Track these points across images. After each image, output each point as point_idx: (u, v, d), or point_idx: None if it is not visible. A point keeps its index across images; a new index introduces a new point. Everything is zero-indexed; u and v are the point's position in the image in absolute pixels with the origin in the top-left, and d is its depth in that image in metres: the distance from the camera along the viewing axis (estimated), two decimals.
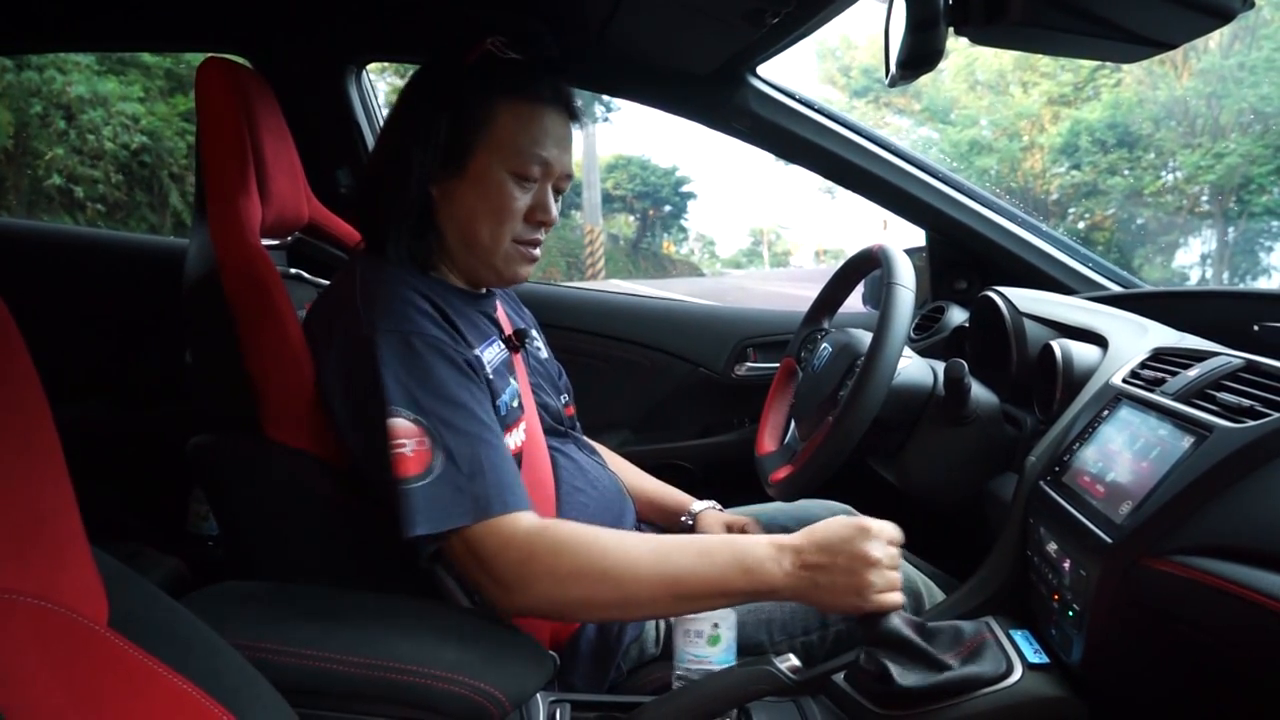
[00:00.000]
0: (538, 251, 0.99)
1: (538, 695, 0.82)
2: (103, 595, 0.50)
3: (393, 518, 0.80)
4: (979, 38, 0.70)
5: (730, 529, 1.14)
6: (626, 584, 0.79)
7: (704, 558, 0.81)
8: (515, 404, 0.96)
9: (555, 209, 0.98)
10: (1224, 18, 0.62)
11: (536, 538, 0.80)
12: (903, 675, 0.77)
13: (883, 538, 0.81)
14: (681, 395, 1.71)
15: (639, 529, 1.11)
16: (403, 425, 0.81)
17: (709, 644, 0.87)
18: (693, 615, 0.87)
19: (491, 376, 0.92)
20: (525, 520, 0.81)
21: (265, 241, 0.98)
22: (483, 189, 0.93)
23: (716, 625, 0.87)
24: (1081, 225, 10.00)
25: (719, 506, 1.19)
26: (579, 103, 0.99)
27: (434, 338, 0.86)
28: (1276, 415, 0.68)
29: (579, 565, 0.79)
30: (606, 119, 14.53)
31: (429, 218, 0.95)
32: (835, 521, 0.83)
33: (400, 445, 0.80)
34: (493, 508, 0.81)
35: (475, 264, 0.97)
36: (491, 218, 0.94)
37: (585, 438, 1.13)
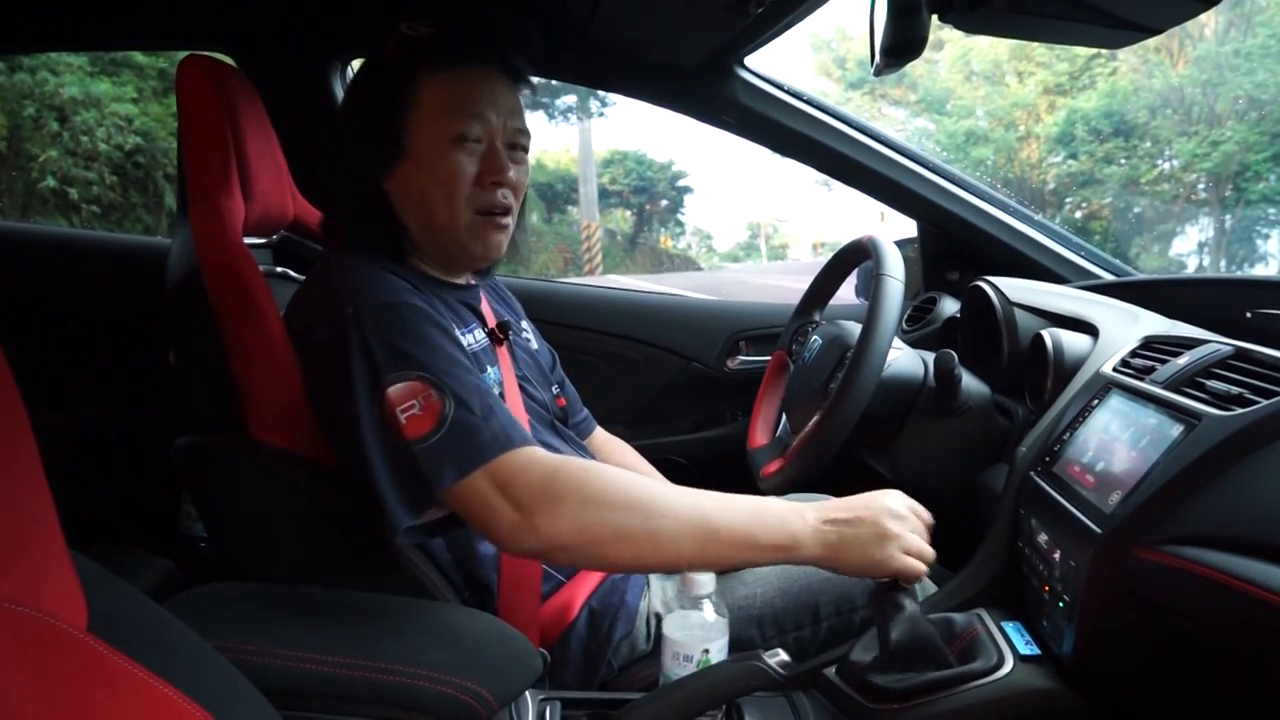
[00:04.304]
0: (507, 220, 0.96)
1: (527, 693, 0.81)
2: (81, 599, 0.50)
3: (378, 501, 0.79)
4: (962, 24, 0.69)
5: None
6: (653, 516, 0.77)
7: (729, 504, 0.82)
8: (497, 391, 0.95)
9: (515, 170, 0.95)
10: (1207, 2, 0.61)
11: (560, 463, 0.79)
12: (883, 676, 0.77)
13: (906, 501, 0.84)
14: (674, 389, 1.70)
15: None
16: (404, 388, 0.79)
17: (697, 669, 0.82)
18: (681, 639, 0.83)
19: (472, 356, 0.90)
20: (544, 452, 0.81)
21: (250, 240, 0.97)
22: (428, 164, 0.92)
23: (707, 650, 0.83)
24: (1078, 214, 10.00)
25: None
26: (523, 66, 0.98)
27: (418, 306, 0.85)
28: (1265, 403, 0.67)
29: (605, 490, 0.78)
30: (602, 114, 14.52)
31: (390, 214, 0.95)
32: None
33: (407, 408, 0.79)
34: (514, 439, 0.80)
35: (443, 245, 0.96)
36: (442, 189, 0.92)
37: (572, 433, 1.12)
